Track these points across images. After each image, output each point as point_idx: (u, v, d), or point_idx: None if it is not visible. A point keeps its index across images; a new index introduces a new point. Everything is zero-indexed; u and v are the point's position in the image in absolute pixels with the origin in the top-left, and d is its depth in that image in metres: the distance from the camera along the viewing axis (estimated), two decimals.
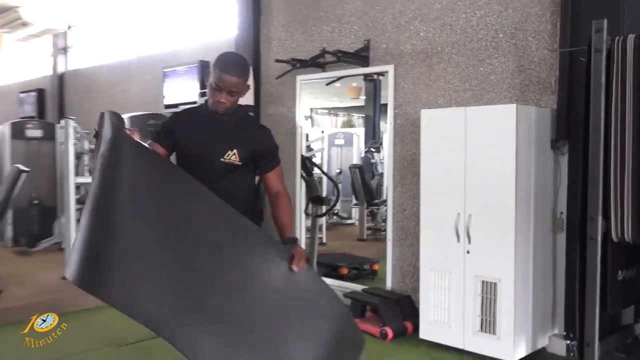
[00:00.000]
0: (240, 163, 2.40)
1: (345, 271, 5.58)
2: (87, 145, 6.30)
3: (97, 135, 2.13)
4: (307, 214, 5.95)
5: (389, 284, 4.73)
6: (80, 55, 9.41)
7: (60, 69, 9.49)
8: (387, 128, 4.94)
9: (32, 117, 9.44)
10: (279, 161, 2.53)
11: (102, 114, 2.12)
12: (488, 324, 3.61)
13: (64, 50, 9.53)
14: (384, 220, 7.64)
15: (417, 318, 3.98)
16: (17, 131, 7.54)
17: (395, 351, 3.83)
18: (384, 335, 4.01)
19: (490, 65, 4.13)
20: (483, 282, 3.63)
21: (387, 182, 4.92)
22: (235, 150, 2.39)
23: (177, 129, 2.48)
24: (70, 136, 5.70)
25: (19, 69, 11.05)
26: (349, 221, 8.31)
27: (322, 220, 6.70)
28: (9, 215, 6.91)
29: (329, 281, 5.28)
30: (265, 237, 2.40)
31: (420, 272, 3.95)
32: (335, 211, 7.60)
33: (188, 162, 2.40)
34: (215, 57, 2.39)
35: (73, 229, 5.47)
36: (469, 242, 3.67)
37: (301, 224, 5.66)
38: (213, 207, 2.20)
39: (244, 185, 2.49)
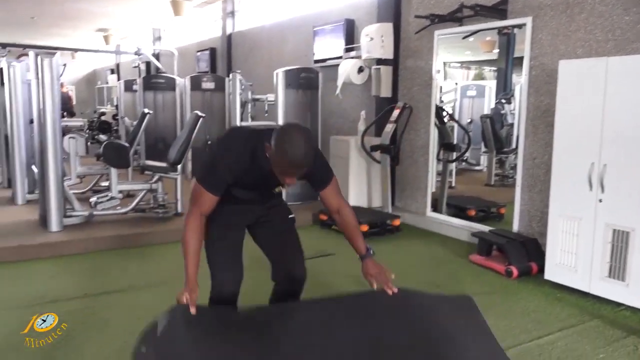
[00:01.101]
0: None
1: (472, 213, 5.39)
2: (250, 96, 6.58)
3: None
4: (438, 160, 5.79)
5: (515, 227, 4.49)
6: (244, 18, 9.75)
7: (228, 30, 9.90)
8: (520, 80, 4.57)
9: (206, 72, 10.04)
10: (332, 175, 2.25)
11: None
12: (617, 271, 3.30)
13: (232, 14, 9.91)
14: (512, 168, 7.22)
15: (543, 260, 3.74)
16: (195, 84, 8.07)
17: (519, 288, 3.65)
18: (509, 273, 3.84)
19: (637, 14, 3.60)
20: (615, 230, 3.29)
21: (519, 132, 4.59)
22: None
23: (231, 180, 2.12)
24: (236, 87, 5.99)
25: (195, 32, 11.71)
26: (477, 168, 7.95)
27: (452, 166, 6.49)
28: (189, 154, 7.52)
29: (456, 222, 5.17)
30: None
31: (548, 217, 3.69)
32: (465, 158, 7.29)
33: (238, 189, 2.22)
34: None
35: None
36: (602, 191, 3.33)
37: (432, 168, 5.52)
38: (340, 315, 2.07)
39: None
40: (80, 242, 4.41)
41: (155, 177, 5.24)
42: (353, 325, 2.08)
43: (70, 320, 2.98)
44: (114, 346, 2.68)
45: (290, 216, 2.45)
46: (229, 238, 2.31)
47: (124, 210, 5.12)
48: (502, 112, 7.61)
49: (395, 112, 5.44)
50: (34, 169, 5.70)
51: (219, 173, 2.09)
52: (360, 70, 6.02)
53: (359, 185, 5.81)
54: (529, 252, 3.99)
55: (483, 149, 7.24)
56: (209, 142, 7.99)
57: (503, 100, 7.55)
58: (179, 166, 5.24)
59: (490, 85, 8.04)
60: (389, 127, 5.43)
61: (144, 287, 3.55)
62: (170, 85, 8.34)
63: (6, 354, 2.58)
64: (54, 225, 4.58)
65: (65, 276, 3.78)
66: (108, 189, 5.23)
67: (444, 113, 5.82)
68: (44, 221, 4.65)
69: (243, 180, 2.14)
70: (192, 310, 1.96)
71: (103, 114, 10.94)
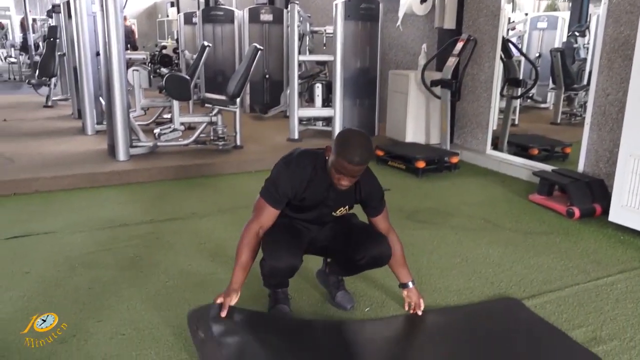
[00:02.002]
0: (347, 211, 2.28)
1: (535, 152, 5.20)
2: (308, 28, 6.45)
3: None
4: (502, 96, 5.55)
5: (580, 167, 4.30)
6: None
7: None
8: (597, 11, 4.22)
9: (264, 4, 9.87)
10: (385, 203, 2.31)
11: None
12: None
13: None
14: (581, 106, 6.85)
15: (608, 201, 3.59)
16: (253, 16, 7.97)
17: (580, 229, 3.55)
18: (570, 214, 3.72)
19: None
20: None
21: (592, 66, 4.30)
22: (347, 207, 2.26)
23: (291, 194, 2.14)
24: (294, 19, 5.87)
25: None
26: (543, 105, 7.58)
27: (517, 103, 6.22)
28: (247, 87, 7.56)
29: (517, 160, 5.01)
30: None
31: (618, 157, 3.50)
32: (531, 94, 6.97)
33: (296, 208, 2.23)
34: None
35: (296, 100, 5.81)
36: None
37: (495, 105, 5.31)
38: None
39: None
40: (145, 171, 4.62)
41: (215, 110, 5.34)
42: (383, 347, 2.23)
43: (139, 243, 3.18)
44: (178, 267, 2.85)
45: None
46: (291, 231, 2.26)
47: (185, 142, 5.28)
48: (575, 45, 7.14)
49: (459, 45, 5.20)
50: (102, 100, 5.92)
51: (280, 186, 2.12)
52: (423, 0, 5.75)
53: (417, 121, 5.69)
54: (593, 193, 3.84)
55: (551, 85, 6.87)
56: (267, 76, 8.01)
57: (576, 33, 7.07)
58: (238, 99, 5.30)
59: (564, 16, 7.51)
60: (451, 61, 5.22)
61: (205, 215, 3.71)
62: (229, 17, 8.28)
63: (80, 270, 2.80)
64: (122, 154, 4.80)
65: (133, 203, 3.99)
66: (170, 121, 5.39)
67: (511, 46, 5.51)
68: (112, 151, 4.88)
69: (303, 196, 2.16)
70: (223, 314, 2.02)
71: (164, 47, 11.13)
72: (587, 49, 6.76)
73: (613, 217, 3.52)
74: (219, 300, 2.05)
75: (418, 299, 2.36)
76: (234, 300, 2.07)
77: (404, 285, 2.35)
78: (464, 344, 2.24)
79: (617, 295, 2.62)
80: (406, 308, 2.38)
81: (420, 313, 2.33)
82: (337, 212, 2.24)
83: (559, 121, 6.85)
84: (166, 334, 2.20)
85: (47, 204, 3.94)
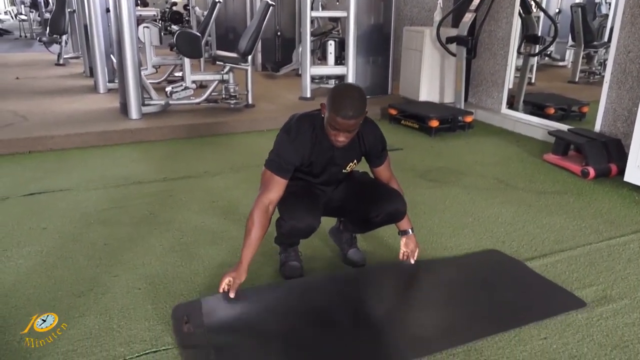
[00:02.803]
0: (355, 164, 2.27)
1: (551, 111, 5.11)
2: None
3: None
4: (519, 53, 5.42)
5: (597, 127, 4.23)
6: None
7: None
8: None
9: None
10: (387, 153, 2.30)
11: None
12: None
13: None
14: (601, 64, 6.68)
15: (624, 161, 3.54)
16: None
17: (594, 189, 3.52)
18: (585, 174, 3.68)
19: None
20: None
21: (614, 22, 4.16)
22: (354, 161, 2.24)
23: (297, 161, 2.12)
24: None
25: None
26: (561, 63, 7.41)
27: (534, 60, 6.08)
28: (259, 44, 7.45)
29: (533, 120, 4.94)
30: None
31: (637, 116, 3.43)
32: (549, 52, 6.80)
33: (307, 173, 2.22)
34: None
35: (308, 58, 5.73)
36: None
37: (512, 62, 5.19)
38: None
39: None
40: (158, 130, 4.63)
41: (227, 68, 5.29)
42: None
43: (152, 201, 3.22)
44: (192, 225, 2.88)
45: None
46: (308, 193, 2.24)
47: (197, 100, 5.26)
48: (596, 0, 6.90)
49: (476, 0, 5.05)
50: (113, 58, 5.88)
51: (284, 155, 2.09)
52: None
53: (432, 79, 5.60)
54: (609, 152, 3.78)
55: (570, 42, 6.69)
56: (279, 33, 7.87)
57: None
58: (249, 57, 5.24)
59: None
60: (468, 17, 5.08)
61: (218, 174, 3.73)
62: None
63: (96, 227, 2.85)
64: (134, 112, 4.80)
65: (146, 161, 4.02)
66: (182, 79, 5.35)
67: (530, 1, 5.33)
68: (124, 109, 4.88)
69: (310, 160, 2.14)
70: (232, 294, 2.04)
71: (174, 4, 10.96)
72: (609, 4, 6.53)
73: (629, 177, 3.48)
74: (226, 279, 2.06)
75: (415, 247, 2.37)
76: (243, 278, 2.08)
77: (403, 233, 2.36)
78: (453, 290, 2.31)
79: (630, 255, 2.61)
80: (401, 257, 2.38)
81: (412, 262, 2.36)
82: (347, 168, 2.23)
83: (577, 80, 6.70)
84: (181, 289, 2.25)
85: (61, 161, 3.98)
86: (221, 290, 2.07)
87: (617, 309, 2.14)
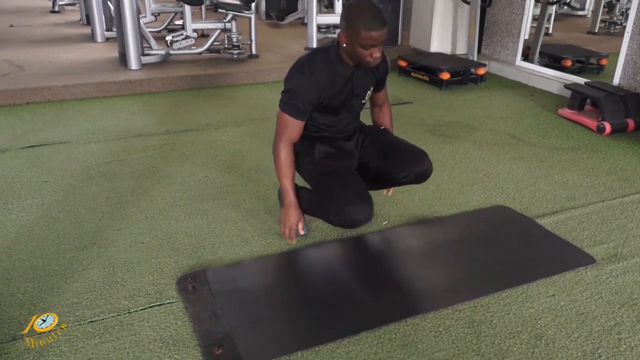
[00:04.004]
0: (371, 93, 2.30)
1: (568, 63, 5.02)
2: None
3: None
4: (536, 1, 5.27)
5: (616, 80, 4.15)
6: None
7: None
8: None
9: None
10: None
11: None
12: None
13: None
14: (622, 13, 6.50)
15: None
16: None
17: (610, 145, 3.48)
18: (600, 129, 3.64)
19: None
20: None
21: None
22: (371, 89, 2.25)
23: (316, 99, 2.08)
24: None
25: None
26: (580, 12, 7.22)
27: (552, 10, 5.92)
28: None
29: (548, 72, 4.84)
30: None
31: None
32: (568, 0, 6.61)
33: (325, 111, 2.17)
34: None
35: (315, 6, 5.59)
36: None
37: (529, 11, 5.05)
38: None
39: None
40: (158, 81, 4.58)
41: (229, 16, 5.18)
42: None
43: (154, 154, 3.22)
44: (195, 179, 2.89)
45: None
46: (340, 167, 2.17)
47: (199, 50, 5.18)
48: None
49: None
50: (110, 5, 5.77)
51: (302, 95, 2.05)
52: None
53: (443, 29, 5.47)
54: (627, 107, 3.72)
55: None
56: None
57: None
58: (253, 4, 5.12)
59: None
60: None
61: (221, 127, 3.71)
62: None
63: (98, 180, 2.86)
64: (133, 63, 4.74)
65: (147, 113, 4.00)
66: (182, 27, 5.25)
67: None
68: (123, 59, 4.82)
69: (330, 94, 2.10)
70: (293, 241, 2.18)
71: None
72: None
73: None
74: (287, 227, 2.16)
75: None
76: (300, 215, 2.17)
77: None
78: (461, 246, 2.32)
79: None
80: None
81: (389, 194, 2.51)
82: (366, 97, 2.24)
83: (596, 30, 6.55)
84: (185, 244, 2.27)
85: (60, 113, 3.97)
86: (295, 241, 2.20)
87: (628, 267, 2.16)
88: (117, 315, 1.83)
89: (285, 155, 2.12)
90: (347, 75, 2.09)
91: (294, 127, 2.11)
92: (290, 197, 2.15)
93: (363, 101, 2.25)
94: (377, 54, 1.96)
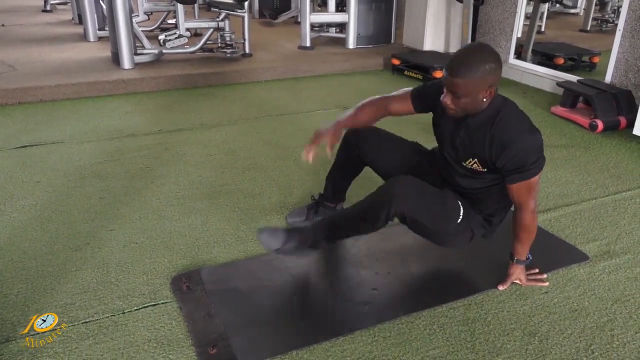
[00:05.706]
0: (484, 170, 1.87)
1: (560, 61, 5.04)
2: None
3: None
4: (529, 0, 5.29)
5: (608, 78, 4.17)
6: None
7: None
8: None
9: None
10: (530, 176, 1.79)
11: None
12: None
13: None
14: (614, 11, 6.54)
15: (634, 114, 3.51)
16: None
17: (602, 143, 3.50)
18: (593, 127, 3.66)
19: None
20: None
21: None
22: (476, 160, 1.86)
23: (430, 101, 2.00)
24: None
25: None
26: (572, 10, 7.26)
27: (544, 8, 5.94)
28: None
29: (541, 70, 4.86)
30: None
31: None
32: None
33: (437, 138, 2.05)
34: None
35: (308, 4, 5.59)
36: None
37: (521, 9, 5.06)
38: None
39: (485, 186, 1.94)
40: (151, 80, 4.56)
41: (222, 15, 5.16)
42: None
43: (148, 154, 3.21)
44: (189, 178, 2.88)
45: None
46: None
47: (192, 49, 5.16)
48: None
49: None
50: (102, 4, 5.74)
51: (425, 88, 2.08)
52: None
53: (436, 28, 5.48)
54: (619, 105, 3.75)
55: None
56: None
57: None
58: (246, 3, 5.10)
59: None
60: None
61: (214, 126, 3.70)
62: None
63: (91, 180, 2.85)
64: (126, 62, 4.72)
65: (140, 113, 3.98)
66: (175, 26, 5.24)
67: None
68: (116, 58, 4.80)
69: (436, 114, 2.01)
70: (310, 157, 1.95)
71: None
72: None
73: (638, 130, 3.46)
74: (320, 140, 2.00)
75: (511, 278, 2.03)
76: (335, 141, 2.03)
77: (519, 261, 2.02)
78: None
79: (635, 210, 2.63)
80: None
81: (501, 289, 2.01)
82: (467, 163, 1.89)
83: (588, 28, 6.58)
84: (179, 243, 2.27)
85: (52, 113, 3.94)
86: (310, 158, 1.97)
87: (620, 264, 2.17)
88: (112, 315, 1.83)
89: (371, 102, 2.15)
90: (453, 117, 1.87)
91: (403, 95, 2.14)
92: (346, 122, 2.09)
93: (464, 164, 1.90)
94: (446, 100, 1.79)
